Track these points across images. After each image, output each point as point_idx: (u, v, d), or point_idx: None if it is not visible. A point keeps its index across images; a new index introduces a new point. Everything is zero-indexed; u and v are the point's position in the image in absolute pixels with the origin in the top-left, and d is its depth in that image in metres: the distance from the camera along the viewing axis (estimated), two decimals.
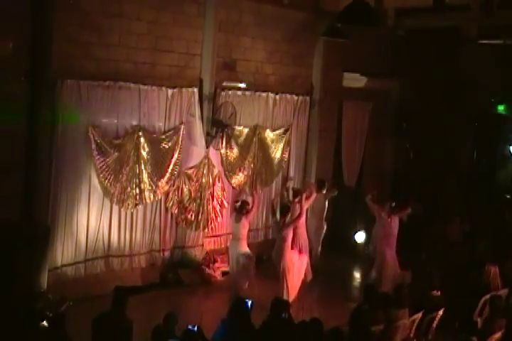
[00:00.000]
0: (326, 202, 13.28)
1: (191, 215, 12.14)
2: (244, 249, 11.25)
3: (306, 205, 11.69)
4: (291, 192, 13.11)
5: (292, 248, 11.35)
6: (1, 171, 9.54)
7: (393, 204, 11.80)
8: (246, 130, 12.99)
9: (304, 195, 11.76)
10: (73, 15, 10.12)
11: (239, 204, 11.45)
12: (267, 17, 13.07)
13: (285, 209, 11.59)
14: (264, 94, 13.31)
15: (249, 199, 11.81)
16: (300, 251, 11.85)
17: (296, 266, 11.08)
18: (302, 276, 11.37)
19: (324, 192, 13.18)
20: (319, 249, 13.36)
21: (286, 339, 7.79)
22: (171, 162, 11.68)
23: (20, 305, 8.84)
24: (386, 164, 16.71)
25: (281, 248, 11.00)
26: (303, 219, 11.96)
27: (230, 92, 12.55)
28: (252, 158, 13.21)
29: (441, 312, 9.16)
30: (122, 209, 11.18)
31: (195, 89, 11.94)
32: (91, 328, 7.45)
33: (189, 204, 12.10)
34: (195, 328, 7.54)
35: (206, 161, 12.25)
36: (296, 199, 12.55)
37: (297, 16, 13.58)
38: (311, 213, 13.16)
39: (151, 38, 11.29)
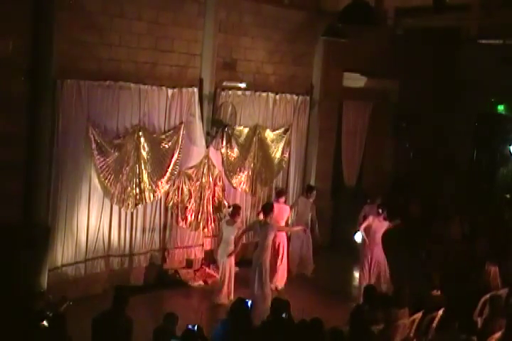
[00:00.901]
0: (311, 208, 13.13)
1: (191, 215, 12.14)
2: (231, 259, 11.15)
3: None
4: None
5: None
6: (1, 171, 9.54)
7: (383, 211, 11.75)
8: (246, 130, 12.99)
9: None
10: (73, 15, 10.13)
11: (231, 209, 11.35)
12: (267, 17, 13.08)
13: (269, 206, 11.16)
14: (264, 94, 13.31)
15: (250, 199, 11.75)
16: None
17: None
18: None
19: (312, 199, 13.07)
20: (311, 252, 13.19)
21: (286, 339, 7.79)
22: (170, 162, 11.67)
23: (20, 305, 8.84)
24: (386, 164, 16.71)
25: (261, 253, 10.73)
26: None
27: (230, 92, 12.55)
28: (252, 157, 13.20)
29: (441, 312, 9.15)
30: (122, 209, 11.18)
31: (195, 89, 11.94)
32: (91, 328, 7.45)
33: (189, 204, 12.10)
34: (195, 328, 7.55)
35: (206, 161, 12.25)
36: (281, 199, 12.40)
37: (297, 16, 13.59)
38: (297, 219, 13.13)
39: (152, 38, 11.29)
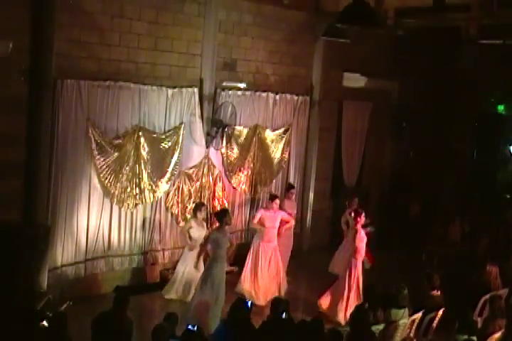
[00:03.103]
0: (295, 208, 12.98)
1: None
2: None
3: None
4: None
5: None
6: (1, 171, 9.54)
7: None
8: (246, 130, 12.99)
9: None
10: (73, 16, 10.13)
11: (193, 206, 11.16)
12: (267, 17, 13.08)
13: (223, 212, 10.65)
14: (264, 94, 13.31)
15: (249, 200, 11.59)
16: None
17: None
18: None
19: (292, 198, 12.79)
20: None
21: (286, 339, 7.79)
22: (170, 162, 11.68)
23: (20, 305, 8.84)
24: (386, 164, 16.71)
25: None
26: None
27: (230, 92, 12.54)
28: (252, 158, 13.20)
29: (441, 312, 9.16)
30: (122, 209, 11.18)
31: (195, 89, 11.95)
32: (91, 328, 7.45)
33: (189, 204, 12.10)
34: (195, 328, 7.54)
35: (206, 161, 12.25)
36: (275, 205, 11.57)
37: (297, 16, 13.59)
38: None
39: (152, 38, 11.29)
